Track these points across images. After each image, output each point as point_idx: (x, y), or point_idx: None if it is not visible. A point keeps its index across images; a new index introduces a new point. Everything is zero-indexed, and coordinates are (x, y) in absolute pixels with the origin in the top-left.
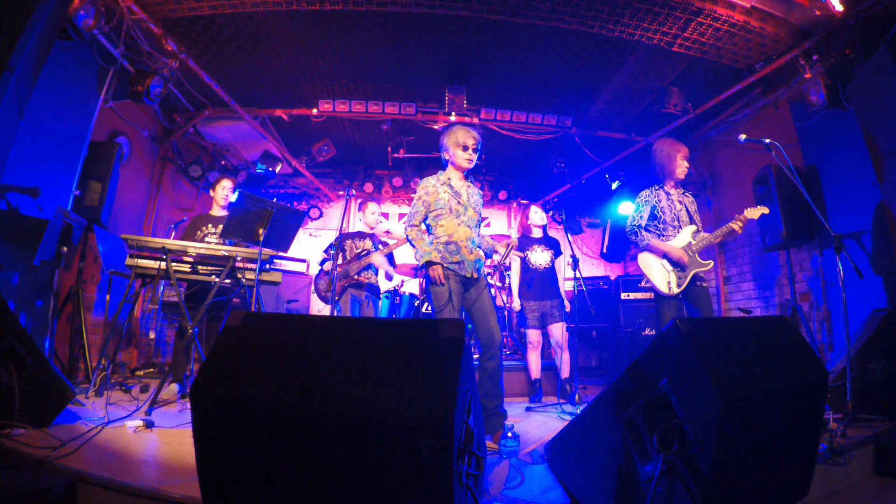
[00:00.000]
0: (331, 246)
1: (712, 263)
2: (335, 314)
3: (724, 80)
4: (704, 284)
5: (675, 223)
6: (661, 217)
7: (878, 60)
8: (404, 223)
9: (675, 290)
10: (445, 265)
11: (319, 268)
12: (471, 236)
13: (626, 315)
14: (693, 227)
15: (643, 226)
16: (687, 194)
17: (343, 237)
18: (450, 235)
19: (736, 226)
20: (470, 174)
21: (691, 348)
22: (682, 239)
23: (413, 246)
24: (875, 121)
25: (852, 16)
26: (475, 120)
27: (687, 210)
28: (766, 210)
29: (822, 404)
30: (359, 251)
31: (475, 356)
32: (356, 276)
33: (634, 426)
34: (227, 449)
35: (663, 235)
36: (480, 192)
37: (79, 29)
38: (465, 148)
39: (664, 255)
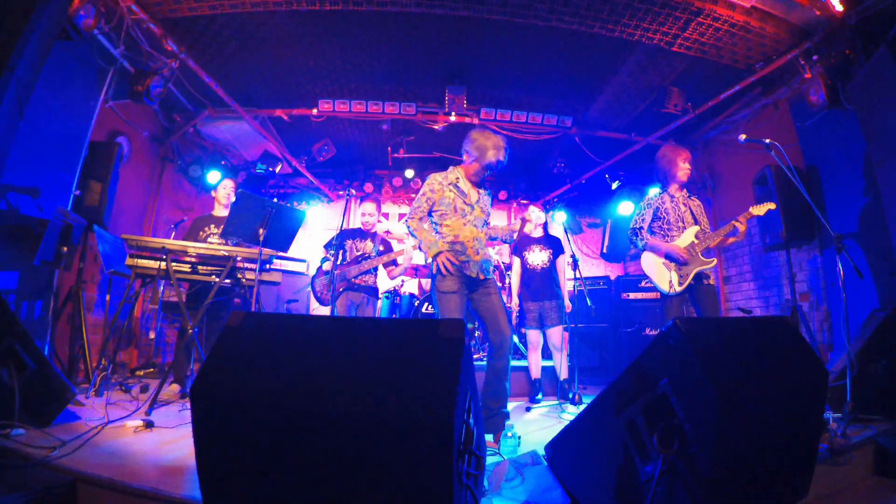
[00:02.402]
0: (330, 244)
1: (715, 261)
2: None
3: (724, 80)
4: (710, 282)
5: (680, 224)
6: (664, 218)
7: (878, 60)
8: (405, 218)
9: (677, 289)
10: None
11: (318, 266)
12: (477, 236)
13: (626, 315)
14: (697, 228)
15: (644, 228)
16: (693, 197)
17: (343, 235)
18: (455, 235)
19: (739, 224)
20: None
21: (691, 348)
22: (686, 239)
23: (415, 237)
24: (875, 121)
25: (852, 16)
26: (475, 120)
27: (692, 212)
28: (772, 206)
29: (822, 404)
30: (359, 254)
31: (477, 355)
32: (354, 279)
33: (634, 426)
34: (227, 448)
35: (667, 236)
36: (490, 193)
37: (79, 29)
38: (488, 167)
39: (665, 255)
